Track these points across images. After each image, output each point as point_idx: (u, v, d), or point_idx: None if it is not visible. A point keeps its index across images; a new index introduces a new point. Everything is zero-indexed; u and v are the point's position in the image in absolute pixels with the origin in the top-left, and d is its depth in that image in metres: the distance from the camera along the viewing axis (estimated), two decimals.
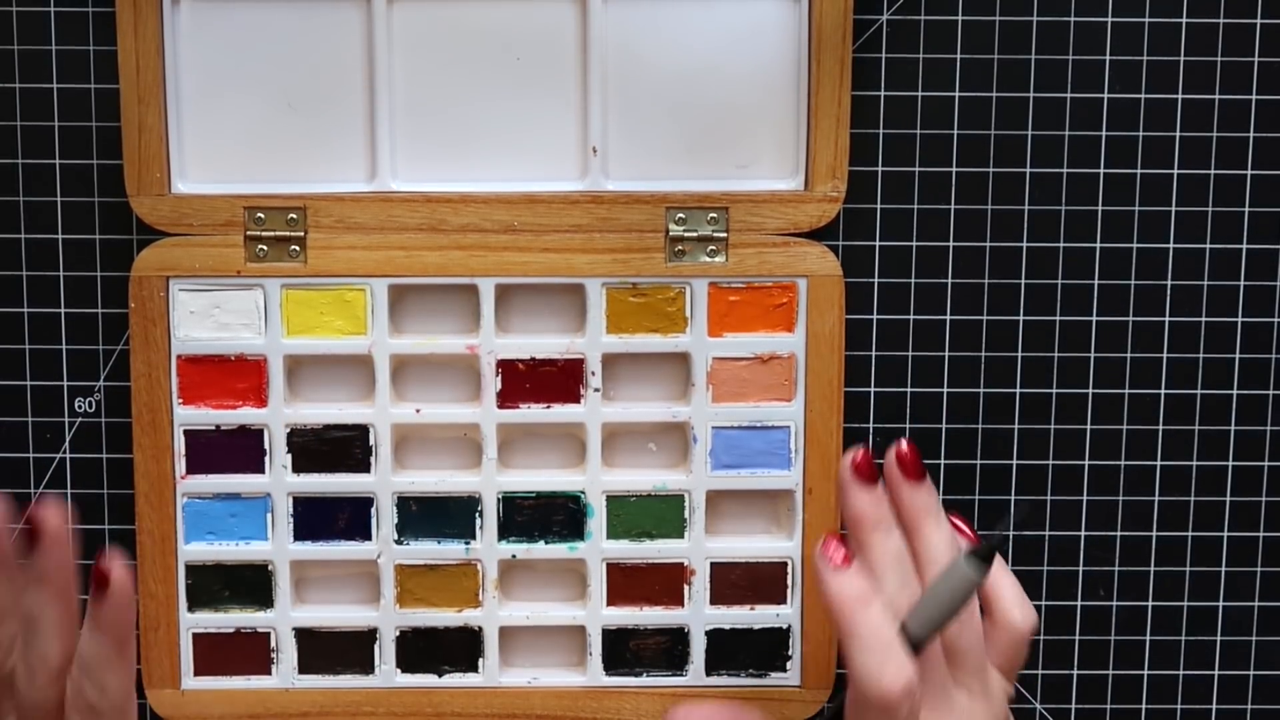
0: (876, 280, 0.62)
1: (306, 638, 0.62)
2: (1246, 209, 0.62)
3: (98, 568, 0.46)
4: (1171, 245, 0.62)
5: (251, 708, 0.62)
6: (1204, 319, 0.62)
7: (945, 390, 0.63)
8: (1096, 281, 0.62)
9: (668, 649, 0.62)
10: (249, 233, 0.60)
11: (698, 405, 0.61)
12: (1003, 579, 0.51)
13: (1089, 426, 0.63)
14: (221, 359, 0.60)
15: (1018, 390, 0.63)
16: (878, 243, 0.62)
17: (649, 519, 0.62)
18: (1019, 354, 0.62)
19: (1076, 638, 0.64)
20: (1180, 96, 0.61)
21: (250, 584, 0.62)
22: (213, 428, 0.61)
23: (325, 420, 0.61)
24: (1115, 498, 0.63)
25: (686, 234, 0.60)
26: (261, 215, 0.60)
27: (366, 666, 0.62)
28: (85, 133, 0.61)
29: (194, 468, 0.61)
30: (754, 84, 0.60)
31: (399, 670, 0.62)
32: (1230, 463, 0.63)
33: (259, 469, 0.61)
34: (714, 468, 0.61)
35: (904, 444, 0.50)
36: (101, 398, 0.62)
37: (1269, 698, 0.64)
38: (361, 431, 0.61)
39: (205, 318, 0.60)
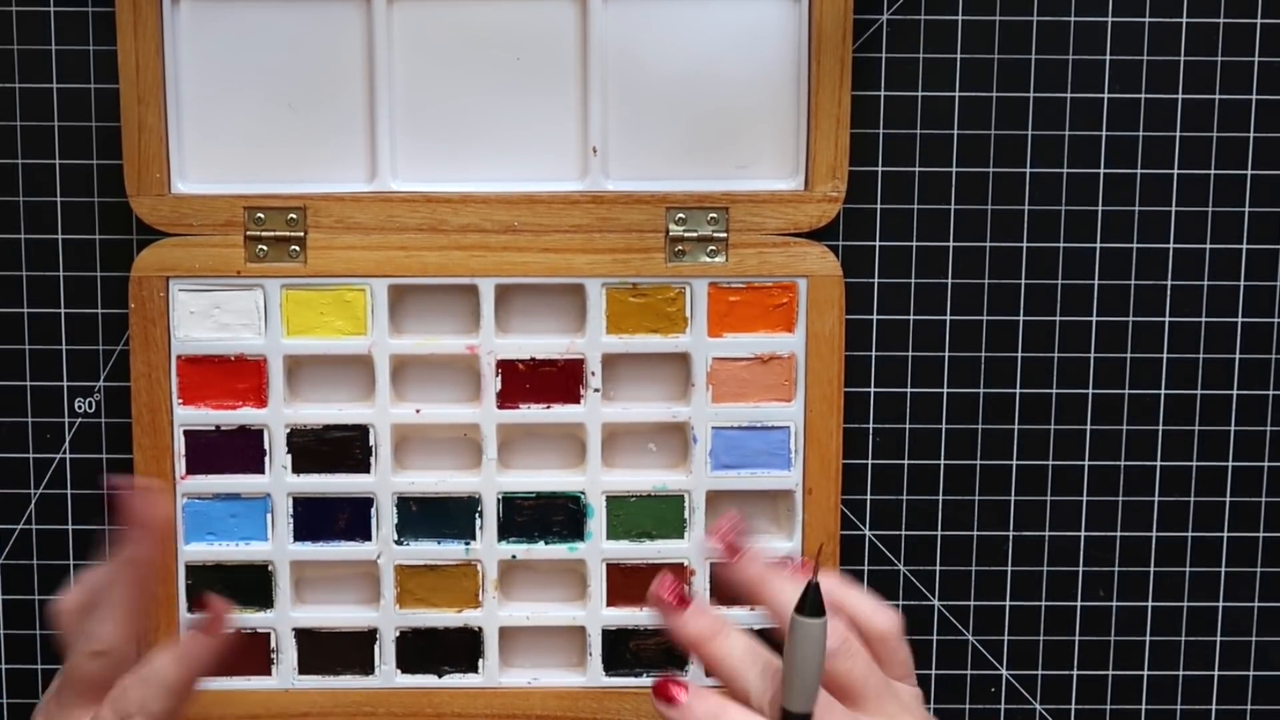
0: (876, 280, 0.62)
1: (306, 638, 0.62)
2: (1246, 209, 0.62)
3: (211, 616, 0.47)
4: (1171, 245, 0.62)
5: (252, 708, 0.62)
6: (1204, 319, 0.62)
7: (945, 390, 0.63)
8: (1096, 281, 0.62)
9: (668, 649, 0.62)
10: (249, 233, 0.60)
11: (698, 405, 0.61)
12: (850, 595, 0.51)
13: (1089, 427, 0.63)
14: (221, 359, 0.60)
15: (1018, 390, 0.63)
16: (878, 243, 0.62)
17: (649, 519, 0.62)
18: (1019, 354, 0.62)
19: (1076, 638, 0.64)
20: (1180, 96, 0.61)
21: (250, 584, 0.62)
22: (213, 428, 0.61)
23: (325, 420, 0.61)
24: (1115, 498, 0.63)
25: (686, 234, 0.60)
26: (261, 215, 0.60)
27: (366, 667, 0.62)
28: (85, 133, 0.61)
29: (194, 468, 0.61)
30: (754, 84, 0.60)
31: (399, 671, 0.62)
32: (1230, 463, 0.63)
33: (259, 469, 0.61)
34: (714, 468, 0.61)
35: (723, 526, 0.50)
36: (101, 398, 0.62)
37: (1269, 698, 0.64)
38: (361, 432, 0.61)
39: (205, 318, 0.60)
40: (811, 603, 0.45)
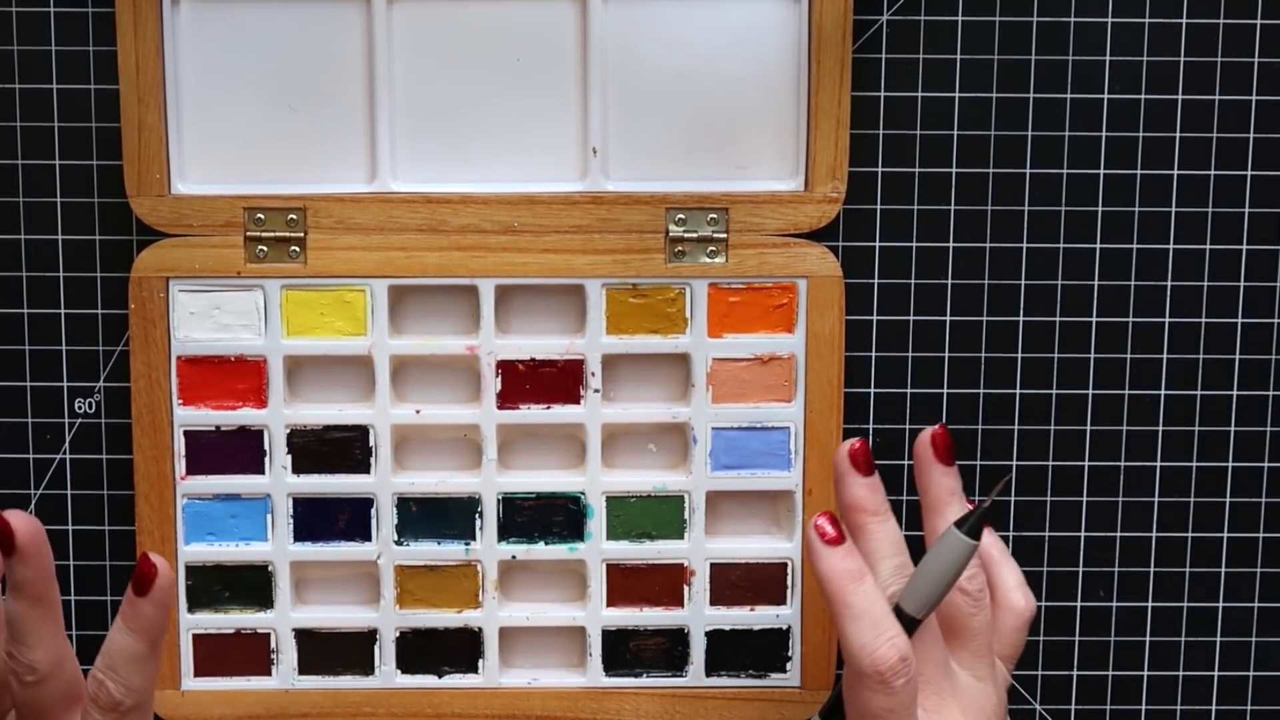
0: (876, 281, 0.62)
1: (306, 638, 0.62)
2: (1246, 209, 0.62)
3: (142, 568, 0.45)
4: (1171, 246, 0.62)
5: (251, 709, 0.62)
6: (1204, 320, 0.62)
7: (945, 391, 0.63)
8: (1096, 282, 0.62)
9: (667, 649, 0.62)
10: (249, 233, 0.60)
11: (697, 406, 0.61)
12: (1005, 564, 0.51)
13: (1089, 427, 0.63)
14: (221, 360, 0.60)
15: (1018, 391, 0.63)
16: (878, 243, 0.62)
17: (649, 520, 0.62)
18: (1019, 355, 0.62)
19: (1076, 638, 0.64)
20: (1180, 97, 0.61)
21: (250, 585, 0.62)
22: (213, 428, 0.61)
23: (325, 421, 0.61)
24: (1115, 498, 0.63)
25: (686, 234, 0.60)
26: (261, 216, 0.60)
27: (366, 667, 0.62)
28: (85, 133, 0.61)
29: (194, 468, 0.61)
30: (754, 84, 0.60)
31: (399, 671, 0.62)
32: (1230, 463, 0.63)
33: (259, 470, 0.61)
34: (714, 468, 0.61)
35: (940, 428, 0.50)
36: (101, 398, 0.62)
37: (1269, 698, 0.64)
38: (361, 432, 0.61)
39: (205, 318, 0.60)
40: (974, 523, 0.45)
